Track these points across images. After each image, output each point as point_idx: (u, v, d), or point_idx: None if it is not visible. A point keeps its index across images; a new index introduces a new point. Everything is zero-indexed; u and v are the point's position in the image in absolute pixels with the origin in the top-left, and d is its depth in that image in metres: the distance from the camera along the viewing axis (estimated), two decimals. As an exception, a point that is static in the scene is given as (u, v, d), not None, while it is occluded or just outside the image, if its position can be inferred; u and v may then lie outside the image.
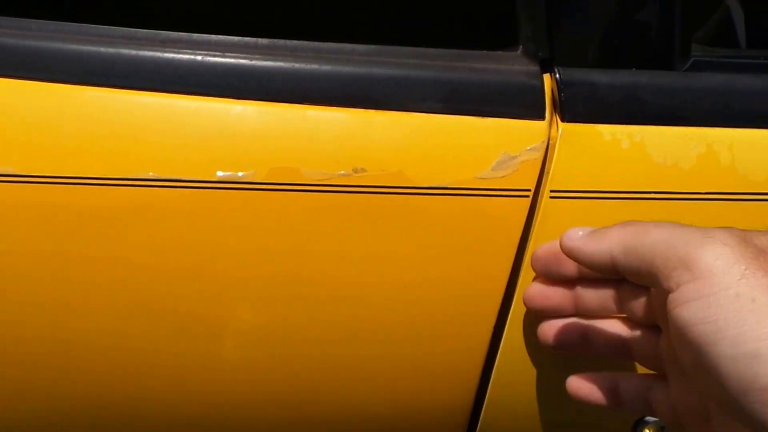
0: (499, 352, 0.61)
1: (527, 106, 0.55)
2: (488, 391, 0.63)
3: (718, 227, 0.45)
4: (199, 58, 0.56)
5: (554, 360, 0.61)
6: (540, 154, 0.55)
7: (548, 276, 0.55)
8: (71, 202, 0.56)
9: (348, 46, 0.57)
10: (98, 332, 0.61)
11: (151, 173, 0.56)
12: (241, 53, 0.56)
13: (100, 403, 0.65)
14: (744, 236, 0.44)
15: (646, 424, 0.64)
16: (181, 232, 0.57)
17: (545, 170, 0.55)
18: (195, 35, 0.57)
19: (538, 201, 0.56)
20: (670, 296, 0.43)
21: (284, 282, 0.59)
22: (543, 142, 0.55)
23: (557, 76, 0.56)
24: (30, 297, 0.60)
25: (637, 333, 0.53)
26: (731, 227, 0.45)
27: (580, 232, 0.51)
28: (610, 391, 0.54)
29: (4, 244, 0.57)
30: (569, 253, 0.51)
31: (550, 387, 0.62)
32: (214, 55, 0.56)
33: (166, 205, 0.56)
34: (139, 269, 0.58)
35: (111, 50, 0.55)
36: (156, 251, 0.58)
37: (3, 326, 0.61)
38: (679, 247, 0.44)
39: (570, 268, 0.53)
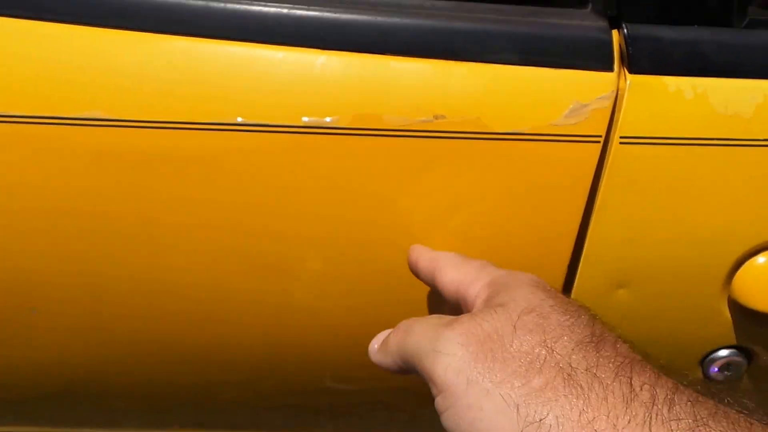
0: (572, 294, 0.64)
1: (597, 59, 0.59)
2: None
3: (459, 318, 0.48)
4: (285, 11, 0.59)
5: (628, 302, 0.64)
6: (609, 103, 0.59)
7: None
8: (161, 146, 0.59)
9: (428, 2, 0.60)
10: (188, 273, 0.64)
11: (239, 118, 0.59)
12: (326, 6, 0.59)
13: (184, 346, 0.68)
14: (472, 328, 0.46)
15: (714, 360, 0.67)
16: (268, 176, 0.61)
17: (614, 118, 0.59)
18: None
19: (608, 146, 0.59)
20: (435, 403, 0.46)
21: (364, 226, 0.62)
22: (612, 92, 0.58)
23: (624, 31, 0.59)
24: (122, 238, 0.62)
25: None
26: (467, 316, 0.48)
27: (375, 345, 0.55)
28: None
29: (97, 187, 0.60)
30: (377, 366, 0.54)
31: (621, 329, 0.66)
32: (300, 8, 0.59)
33: (255, 149, 0.60)
34: (228, 212, 0.62)
35: (201, 3, 0.58)
36: (245, 194, 0.61)
37: (94, 266, 0.64)
38: (422, 362, 0.47)
39: None
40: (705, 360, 0.69)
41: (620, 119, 0.58)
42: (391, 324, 0.59)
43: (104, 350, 0.70)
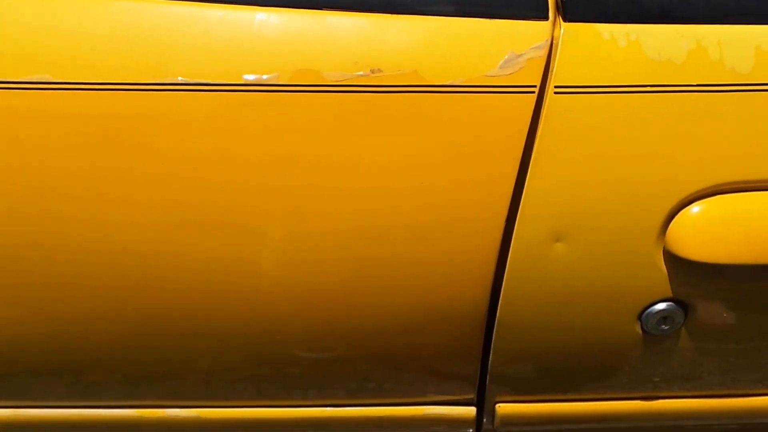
0: (510, 248, 0.65)
1: (532, 8, 0.60)
2: (503, 285, 0.67)
3: None
4: (223, -29, 0.60)
5: (566, 255, 0.65)
6: (544, 53, 0.60)
7: None
8: (105, 108, 0.60)
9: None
10: (138, 235, 0.64)
11: (180, 78, 0.60)
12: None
13: (146, 311, 0.69)
14: None
15: (652, 314, 0.68)
16: (211, 134, 0.61)
17: (549, 68, 0.60)
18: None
19: (544, 96, 0.60)
20: None
21: (306, 185, 0.63)
22: (546, 41, 0.60)
23: (558, -18, 0.60)
24: (71, 201, 0.63)
25: None
26: None
27: None
28: None
29: (44, 149, 0.61)
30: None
31: (560, 282, 0.67)
32: (238, -33, 0.59)
33: (196, 108, 0.60)
34: (171, 174, 0.62)
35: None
36: (188, 152, 0.61)
37: (45, 229, 0.64)
38: None
39: None
40: (643, 314, 0.70)
41: (555, 69, 0.60)
42: (340, 280, 0.60)
43: (65, 318, 0.70)
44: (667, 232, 0.65)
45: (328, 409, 0.80)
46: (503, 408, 0.80)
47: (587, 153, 0.62)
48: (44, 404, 0.80)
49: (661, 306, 0.69)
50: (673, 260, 0.66)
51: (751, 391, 0.79)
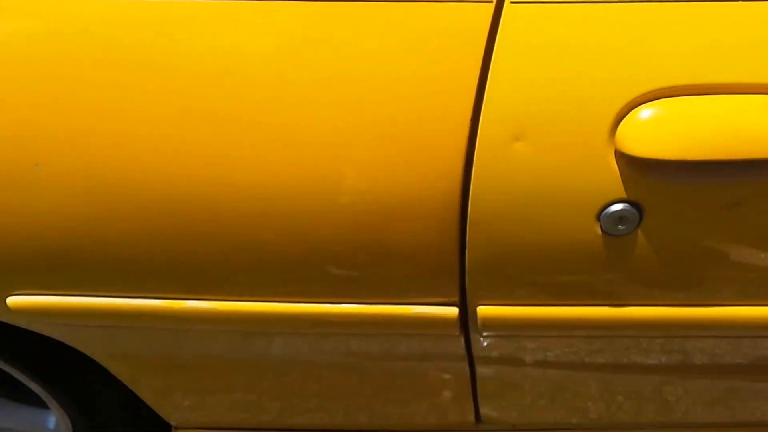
0: (476, 146, 0.74)
1: None
2: (471, 182, 0.76)
3: None
4: None
5: (525, 154, 0.74)
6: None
7: None
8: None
9: None
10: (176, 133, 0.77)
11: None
12: None
13: (178, 204, 0.81)
14: None
15: (609, 215, 0.76)
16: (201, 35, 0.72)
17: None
18: None
19: (503, 5, 0.70)
20: None
21: (287, 81, 0.73)
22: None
23: None
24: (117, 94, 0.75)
25: None
26: None
27: None
28: None
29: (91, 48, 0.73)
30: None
31: (522, 180, 0.76)
32: None
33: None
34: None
35: None
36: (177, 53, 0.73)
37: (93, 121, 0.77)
38: None
39: None
40: (601, 215, 0.77)
41: None
42: (314, 178, 0.74)
43: (104, 206, 0.82)
44: (617, 132, 0.72)
45: (327, 305, 0.88)
46: (484, 310, 0.88)
47: (542, 58, 0.71)
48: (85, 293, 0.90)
49: (617, 207, 0.76)
50: (624, 161, 0.73)
51: (715, 301, 0.85)
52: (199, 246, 0.83)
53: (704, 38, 0.71)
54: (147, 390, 1.15)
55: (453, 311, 0.88)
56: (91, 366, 1.10)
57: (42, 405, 1.24)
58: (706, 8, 0.70)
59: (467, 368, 1.06)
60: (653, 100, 0.72)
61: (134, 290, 0.90)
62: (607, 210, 0.76)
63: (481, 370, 1.06)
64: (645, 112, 0.71)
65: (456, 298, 0.88)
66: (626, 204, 0.76)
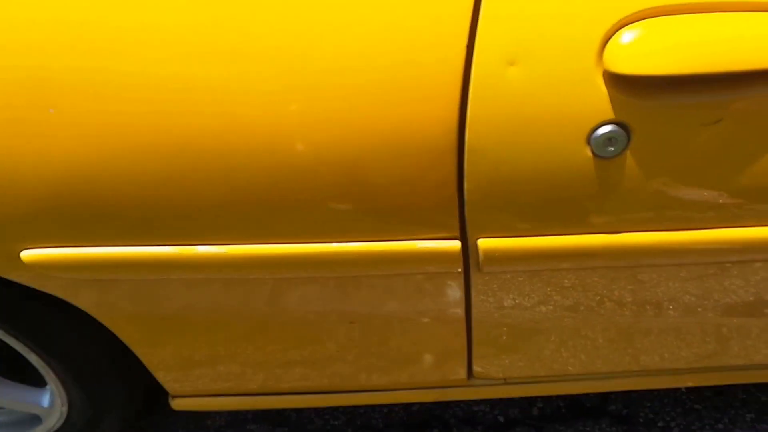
0: (472, 71, 0.79)
1: None
2: (468, 108, 0.81)
3: None
4: None
5: (519, 77, 0.79)
6: None
7: None
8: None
9: None
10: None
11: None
12: None
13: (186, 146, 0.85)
14: None
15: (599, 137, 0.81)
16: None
17: None
18: None
19: None
20: None
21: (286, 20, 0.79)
22: None
23: None
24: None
25: None
26: None
27: None
28: None
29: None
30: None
31: (517, 103, 0.81)
32: None
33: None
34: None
35: None
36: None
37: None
38: None
39: None
40: (591, 137, 0.82)
41: None
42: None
43: (115, 150, 0.85)
44: (604, 52, 0.77)
45: (329, 245, 0.92)
46: (485, 243, 0.92)
47: None
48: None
49: (606, 128, 0.81)
50: (612, 81, 0.79)
51: (704, 224, 0.89)
52: (201, 187, 0.87)
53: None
54: (149, 354, 1.16)
55: (455, 245, 0.93)
56: (90, 337, 1.12)
57: (37, 383, 1.25)
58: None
59: (464, 315, 1.09)
60: (637, 21, 0.76)
61: (147, 237, 0.93)
62: (596, 132, 0.82)
63: (478, 313, 1.08)
64: (629, 32, 0.77)
65: (457, 232, 0.92)
66: (614, 125, 0.81)
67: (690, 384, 1.30)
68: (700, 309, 1.05)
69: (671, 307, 1.05)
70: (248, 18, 0.79)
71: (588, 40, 0.77)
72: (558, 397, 1.54)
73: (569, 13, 0.76)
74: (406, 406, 1.53)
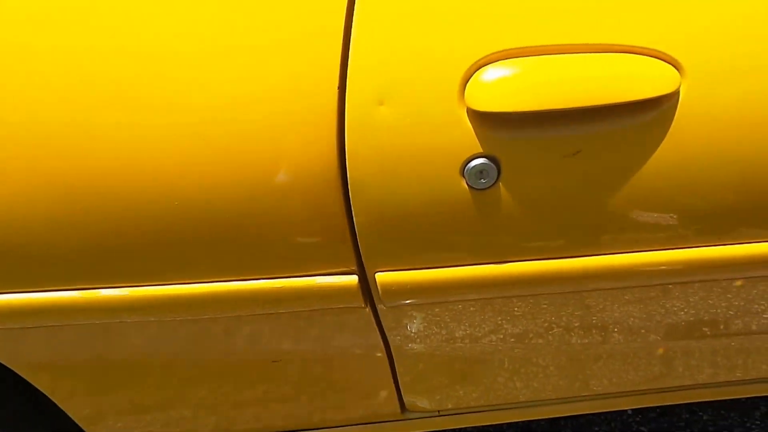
0: (346, 111, 0.85)
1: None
2: (346, 146, 0.86)
3: None
4: None
5: (390, 116, 0.85)
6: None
7: None
8: None
9: None
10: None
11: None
12: None
13: None
14: None
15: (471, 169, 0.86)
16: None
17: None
18: None
19: None
20: None
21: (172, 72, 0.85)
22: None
23: None
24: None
25: None
26: None
27: None
28: None
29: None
30: None
31: (391, 140, 0.86)
32: None
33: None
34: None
35: None
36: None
37: None
38: None
39: None
40: (464, 170, 0.88)
41: None
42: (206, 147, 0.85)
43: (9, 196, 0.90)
44: (465, 91, 0.83)
45: (236, 283, 0.96)
46: (382, 277, 0.96)
47: (396, 28, 0.83)
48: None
49: (476, 161, 0.86)
50: (475, 117, 0.84)
51: (579, 252, 0.95)
52: (100, 230, 0.91)
53: (530, 7, 0.84)
54: (67, 402, 1.16)
55: (352, 279, 0.97)
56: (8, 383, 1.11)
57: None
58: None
59: (384, 349, 1.12)
60: (493, 61, 0.82)
61: (46, 282, 0.96)
62: (468, 165, 0.87)
63: (397, 349, 1.12)
64: (486, 72, 0.83)
65: (354, 267, 0.96)
66: (484, 158, 0.86)
67: (632, 407, 1.33)
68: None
69: (587, 331, 1.09)
70: (142, 68, 0.85)
71: (448, 80, 0.83)
72: (509, 425, 1.56)
73: (430, 56, 0.82)
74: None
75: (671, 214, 0.90)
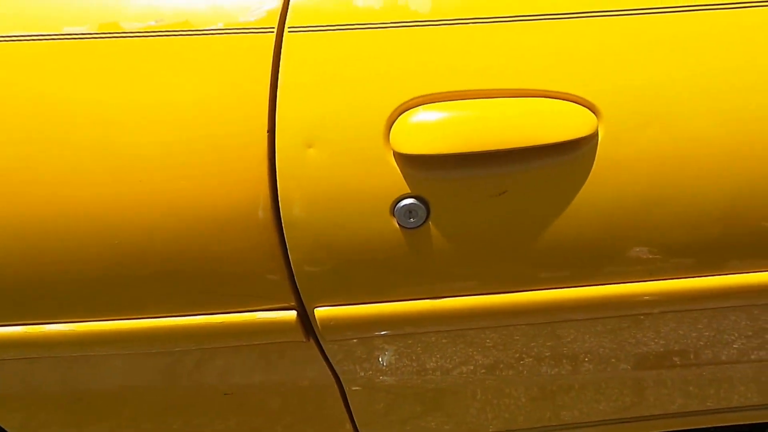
0: (276, 154, 0.88)
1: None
2: (278, 187, 0.89)
3: None
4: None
5: (318, 158, 0.88)
6: (280, 3, 0.85)
7: None
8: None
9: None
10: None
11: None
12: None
13: None
14: None
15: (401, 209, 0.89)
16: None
17: (285, 14, 0.85)
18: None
19: (283, 35, 0.85)
20: None
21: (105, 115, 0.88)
22: (280, -2, 0.84)
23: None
24: None
25: None
26: None
27: None
28: None
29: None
30: None
31: (320, 182, 0.88)
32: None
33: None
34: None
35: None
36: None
37: None
38: None
39: None
40: (394, 210, 0.90)
41: (288, 14, 0.84)
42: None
43: None
44: (390, 134, 0.86)
45: (169, 319, 0.99)
46: (321, 312, 0.99)
47: (320, 75, 0.85)
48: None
49: (405, 201, 0.89)
50: (401, 159, 0.87)
51: (508, 288, 0.97)
52: (45, 268, 0.93)
53: (450, 53, 0.87)
54: None
55: (291, 315, 0.99)
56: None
57: None
58: (446, 31, 0.86)
59: (335, 382, 1.14)
60: (416, 105, 0.85)
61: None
62: (398, 205, 0.89)
63: (347, 383, 1.14)
64: (410, 116, 0.85)
65: (293, 302, 0.98)
66: (413, 199, 0.88)
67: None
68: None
69: (538, 360, 1.11)
70: (82, 114, 0.88)
71: (373, 124, 0.85)
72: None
73: (355, 100, 0.85)
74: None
75: (596, 251, 0.92)
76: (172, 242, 0.91)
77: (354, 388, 1.15)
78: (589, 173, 0.87)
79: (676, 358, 1.16)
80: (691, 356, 1.16)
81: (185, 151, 0.88)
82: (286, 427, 1.24)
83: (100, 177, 0.89)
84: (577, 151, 0.87)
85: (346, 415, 1.21)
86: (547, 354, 1.09)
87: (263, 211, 0.90)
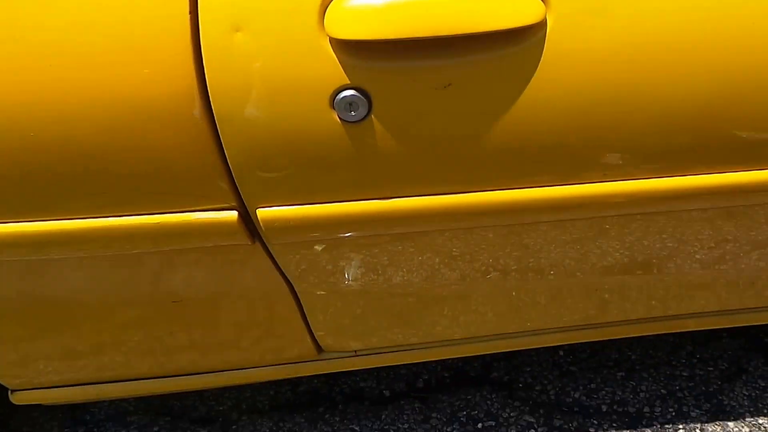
0: (201, 39, 0.81)
1: None
2: (206, 78, 0.82)
3: None
4: None
5: (247, 44, 0.81)
6: None
7: None
8: None
9: None
10: None
11: None
12: None
13: None
14: None
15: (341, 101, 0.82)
16: None
17: None
18: None
19: None
20: None
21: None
22: None
23: None
24: None
25: None
26: None
27: None
28: None
29: None
30: None
31: (251, 70, 0.82)
32: None
33: None
34: None
35: None
36: None
37: None
38: None
39: None
40: (334, 102, 0.83)
41: None
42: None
43: None
44: (325, 18, 0.79)
45: (105, 219, 0.93)
46: (264, 213, 0.93)
47: None
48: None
49: (345, 93, 0.82)
50: (339, 47, 0.80)
51: (458, 188, 0.91)
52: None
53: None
54: None
55: (232, 215, 0.93)
56: None
57: None
58: None
59: (288, 290, 1.10)
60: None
61: None
62: (337, 97, 0.83)
63: (300, 288, 1.10)
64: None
65: (234, 203, 0.93)
66: (353, 90, 0.82)
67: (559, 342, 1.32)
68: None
69: (479, 268, 1.06)
70: None
71: (306, 5, 0.77)
72: (443, 367, 1.55)
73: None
74: (293, 387, 1.55)
75: (545, 149, 0.86)
76: (94, 135, 0.85)
77: (307, 293, 1.10)
78: (537, 66, 0.81)
79: (639, 270, 1.12)
80: (654, 268, 1.12)
81: (100, 33, 0.81)
82: (247, 340, 1.21)
83: (4, 62, 0.81)
84: (524, 42, 0.81)
85: (302, 321, 1.16)
86: (496, 260, 1.04)
87: (192, 102, 0.83)
